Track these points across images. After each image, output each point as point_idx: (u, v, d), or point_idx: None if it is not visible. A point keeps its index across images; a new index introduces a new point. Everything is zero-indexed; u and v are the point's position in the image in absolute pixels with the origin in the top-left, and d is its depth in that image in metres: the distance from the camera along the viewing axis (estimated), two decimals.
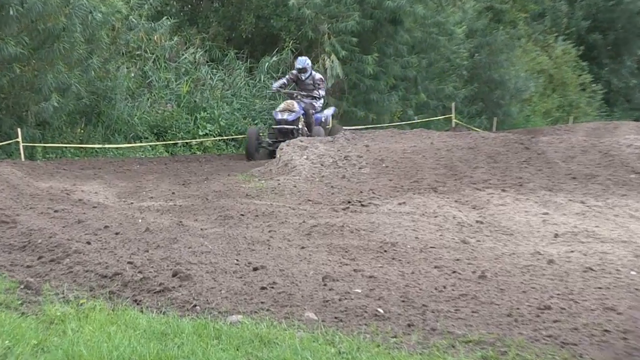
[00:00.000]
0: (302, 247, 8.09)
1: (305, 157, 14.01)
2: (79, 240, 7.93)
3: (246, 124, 20.66)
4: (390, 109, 24.90)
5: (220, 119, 20.31)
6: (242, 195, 11.62)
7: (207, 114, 20.28)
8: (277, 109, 18.43)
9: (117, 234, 8.39)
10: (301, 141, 14.76)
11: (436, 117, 27.01)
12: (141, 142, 18.85)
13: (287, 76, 19.55)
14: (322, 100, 19.42)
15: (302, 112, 18.50)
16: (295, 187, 12.24)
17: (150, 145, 18.80)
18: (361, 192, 12.01)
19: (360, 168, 13.66)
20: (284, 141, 15.90)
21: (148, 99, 20.01)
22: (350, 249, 8.02)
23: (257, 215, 9.81)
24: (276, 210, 10.15)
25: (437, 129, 24.03)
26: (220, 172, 15.17)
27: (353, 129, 19.31)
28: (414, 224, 9.43)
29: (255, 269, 6.97)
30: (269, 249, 7.96)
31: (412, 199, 11.16)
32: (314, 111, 19.08)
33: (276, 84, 19.51)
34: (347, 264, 7.39)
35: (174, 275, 6.61)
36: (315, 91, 19.17)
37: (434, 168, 13.53)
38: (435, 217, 9.98)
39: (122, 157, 17.55)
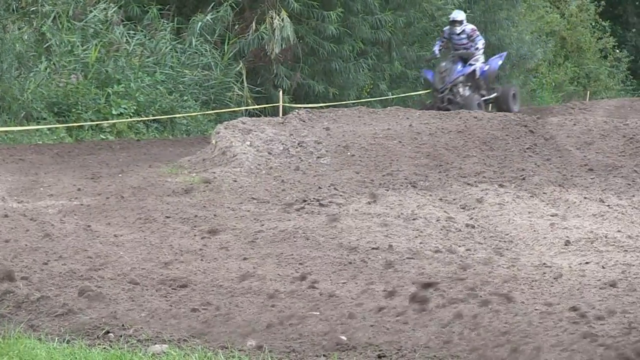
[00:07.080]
0: (245, 258, 8.19)
1: (248, 143, 14.02)
2: None
3: (172, 100, 20.59)
4: (357, 82, 24.92)
5: (138, 95, 20.23)
6: (168, 193, 11.71)
7: (123, 87, 20.09)
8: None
9: (6, 241, 8.42)
10: (243, 123, 14.84)
11: (416, 92, 27.12)
12: (37, 123, 18.72)
13: (439, 40, 22.01)
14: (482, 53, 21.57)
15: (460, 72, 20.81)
16: (235, 181, 12.31)
17: (49, 129, 18.68)
18: (320, 188, 12.10)
19: (318, 157, 13.80)
20: None
21: (46, 69, 19.83)
22: (306, 261, 8.13)
23: (186, 218, 9.91)
24: (211, 212, 10.25)
25: (418, 107, 24.09)
26: (139, 163, 15.18)
27: (309, 108, 19.28)
28: (386, 229, 9.54)
29: (183, 286, 7.07)
30: (201, 260, 8.02)
31: (385, 196, 11.25)
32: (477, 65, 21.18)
33: (436, 48, 21.81)
34: (301, 280, 7.48)
35: (80, 294, 6.69)
36: (471, 45, 21.27)
37: (412, 157, 13.64)
38: (414, 219, 10.08)
39: (12, 144, 17.41)
